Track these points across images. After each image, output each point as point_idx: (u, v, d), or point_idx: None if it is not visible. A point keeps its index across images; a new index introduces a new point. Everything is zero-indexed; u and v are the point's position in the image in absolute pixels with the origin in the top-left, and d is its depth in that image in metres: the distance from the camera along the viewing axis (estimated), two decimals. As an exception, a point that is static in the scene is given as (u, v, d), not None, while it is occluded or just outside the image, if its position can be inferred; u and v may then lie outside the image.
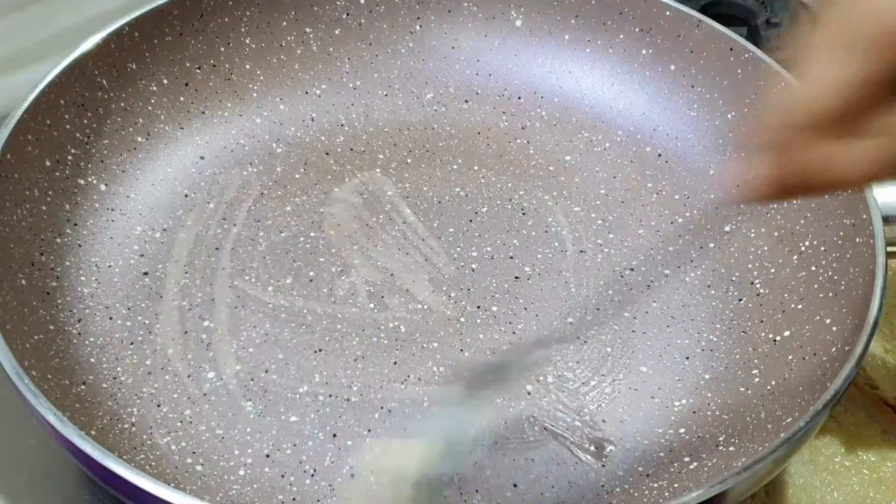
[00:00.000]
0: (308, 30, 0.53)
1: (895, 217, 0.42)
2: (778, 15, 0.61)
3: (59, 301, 0.42)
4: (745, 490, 0.34)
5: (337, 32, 0.53)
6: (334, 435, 0.39)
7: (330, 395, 0.41)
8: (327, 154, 0.51)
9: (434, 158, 0.51)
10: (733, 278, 0.45)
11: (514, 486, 0.38)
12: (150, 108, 0.49)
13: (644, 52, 0.52)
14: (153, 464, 0.37)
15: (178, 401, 0.40)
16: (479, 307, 0.44)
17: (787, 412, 0.38)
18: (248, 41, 0.52)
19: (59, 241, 0.44)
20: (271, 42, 0.52)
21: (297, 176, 0.49)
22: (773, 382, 0.40)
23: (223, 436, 0.39)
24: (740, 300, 0.45)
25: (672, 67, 0.51)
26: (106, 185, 0.47)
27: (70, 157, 0.45)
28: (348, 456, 0.39)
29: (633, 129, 0.52)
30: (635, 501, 0.38)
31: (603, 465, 0.39)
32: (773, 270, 0.45)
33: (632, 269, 0.46)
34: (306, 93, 0.53)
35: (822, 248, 0.43)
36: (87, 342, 0.41)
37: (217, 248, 0.46)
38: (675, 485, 0.38)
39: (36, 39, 0.61)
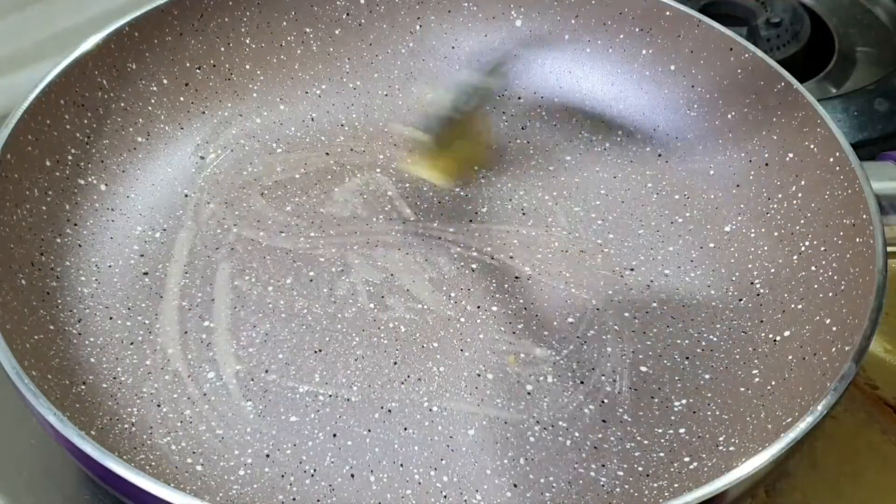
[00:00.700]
0: (308, 30, 0.53)
1: (895, 217, 0.42)
2: (778, 15, 0.61)
3: (59, 301, 0.42)
4: (745, 490, 0.34)
5: (337, 32, 0.53)
6: (334, 435, 0.39)
7: (330, 395, 0.41)
8: (327, 154, 0.51)
9: (434, 158, 0.51)
10: (733, 278, 0.45)
11: (514, 486, 0.38)
12: (150, 108, 0.49)
13: (644, 52, 0.52)
14: (153, 464, 0.37)
15: (178, 401, 0.40)
16: (479, 307, 0.44)
17: (787, 412, 0.38)
18: (248, 41, 0.52)
19: (59, 241, 0.44)
20: (271, 42, 0.52)
21: (297, 176, 0.49)
22: (773, 382, 0.40)
23: (223, 436, 0.39)
24: (740, 300, 0.45)
25: (672, 67, 0.51)
26: (106, 185, 0.47)
27: (70, 157, 0.45)
28: (348, 456, 0.39)
29: (633, 129, 0.52)
30: (635, 501, 0.38)
31: (603, 466, 0.39)
32: (773, 270, 0.45)
33: (632, 269, 0.46)
34: (306, 93, 0.53)
35: (822, 248, 0.43)
36: (87, 342, 0.41)
37: (217, 248, 0.46)
38: (675, 485, 0.38)
39: (36, 39, 0.61)
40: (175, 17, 0.49)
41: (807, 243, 0.44)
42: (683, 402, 0.41)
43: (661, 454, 0.39)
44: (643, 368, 0.42)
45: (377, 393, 0.41)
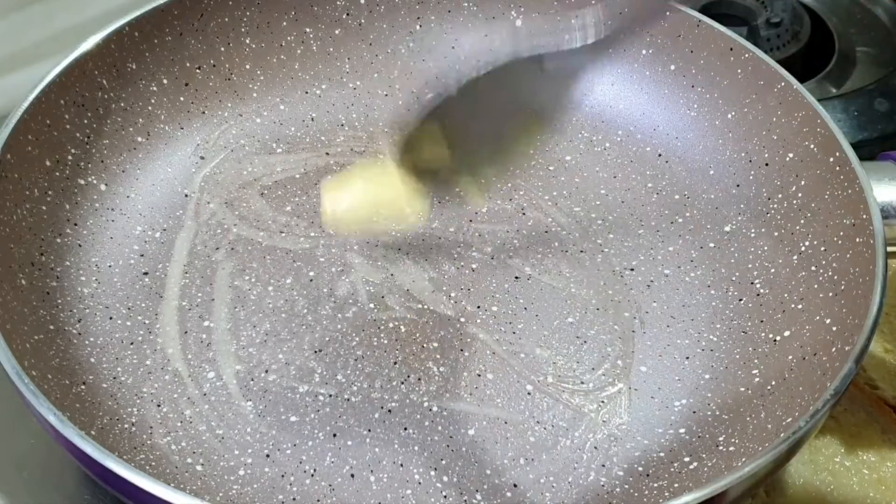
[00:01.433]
0: (308, 30, 0.53)
1: (895, 217, 0.42)
2: (778, 15, 0.61)
3: (59, 301, 0.42)
4: (745, 490, 0.34)
5: (337, 32, 0.53)
6: (334, 435, 0.39)
7: (330, 395, 0.41)
8: (327, 154, 0.51)
9: (434, 158, 0.51)
10: (733, 278, 0.45)
11: (514, 486, 0.38)
12: (150, 108, 0.49)
13: (644, 52, 0.52)
14: (153, 464, 0.37)
15: (178, 401, 0.40)
16: (479, 307, 0.44)
17: (787, 412, 0.38)
18: (248, 41, 0.52)
19: (59, 241, 0.44)
20: (271, 42, 0.52)
21: (297, 176, 0.49)
22: (773, 382, 0.40)
23: (223, 436, 0.39)
24: (740, 300, 0.45)
25: (672, 67, 0.51)
26: (106, 185, 0.47)
27: (70, 157, 0.45)
28: (348, 456, 0.39)
29: (633, 129, 0.52)
30: (635, 501, 0.38)
31: (603, 465, 0.39)
32: (773, 270, 0.45)
33: (632, 269, 0.46)
34: (306, 93, 0.53)
35: (822, 248, 0.43)
36: (87, 342, 0.41)
37: (217, 248, 0.46)
38: (675, 485, 0.38)
39: (36, 39, 0.61)
40: (175, 17, 0.49)
41: (807, 243, 0.44)
42: (683, 402, 0.41)
43: (661, 454, 0.39)
44: (643, 368, 0.42)
45: (377, 393, 0.41)
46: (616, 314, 0.44)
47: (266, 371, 0.41)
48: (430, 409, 0.40)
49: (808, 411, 0.35)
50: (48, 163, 0.44)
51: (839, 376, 0.36)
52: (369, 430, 0.40)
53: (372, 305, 0.44)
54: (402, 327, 0.43)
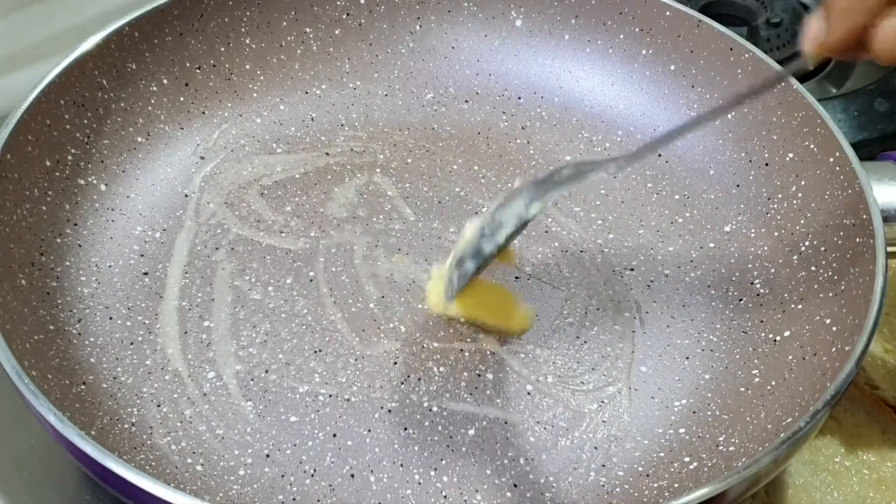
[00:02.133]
0: (308, 30, 0.53)
1: (895, 217, 0.42)
2: (778, 15, 0.61)
3: (59, 301, 0.42)
4: (745, 490, 0.34)
5: (337, 32, 0.53)
6: (334, 435, 0.39)
7: (330, 395, 0.41)
8: (327, 154, 0.51)
9: (434, 158, 0.51)
10: (733, 278, 0.45)
11: (515, 486, 0.38)
12: (150, 108, 0.49)
13: (644, 52, 0.52)
14: (153, 464, 0.37)
15: (178, 401, 0.40)
16: (479, 307, 0.44)
17: (787, 412, 0.38)
18: (248, 41, 0.52)
19: (59, 241, 0.44)
20: (271, 42, 0.52)
21: (297, 176, 0.49)
22: (773, 382, 0.40)
23: (223, 436, 0.39)
24: (740, 300, 0.45)
25: (672, 67, 0.51)
26: (106, 185, 0.47)
27: (70, 157, 0.45)
28: (348, 456, 0.39)
29: (633, 129, 0.52)
30: (635, 501, 0.38)
31: (603, 465, 0.39)
32: (773, 270, 0.45)
33: (632, 269, 0.46)
34: (306, 93, 0.53)
35: (822, 249, 0.43)
36: (87, 342, 0.41)
37: (217, 248, 0.46)
38: (675, 485, 0.38)
39: (36, 39, 0.61)
40: (175, 17, 0.49)
41: (807, 243, 0.44)
42: (683, 402, 0.41)
43: (661, 454, 0.39)
44: (643, 368, 0.42)
45: (377, 393, 0.41)
46: (616, 314, 0.44)
47: (266, 371, 0.41)
48: (430, 409, 0.40)
49: (808, 411, 0.35)
50: (48, 163, 0.44)
51: (839, 377, 0.36)
52: (369, 430, 0.40)
53: (372, 305, 0.44)
54: (402, 327, 0.43)
